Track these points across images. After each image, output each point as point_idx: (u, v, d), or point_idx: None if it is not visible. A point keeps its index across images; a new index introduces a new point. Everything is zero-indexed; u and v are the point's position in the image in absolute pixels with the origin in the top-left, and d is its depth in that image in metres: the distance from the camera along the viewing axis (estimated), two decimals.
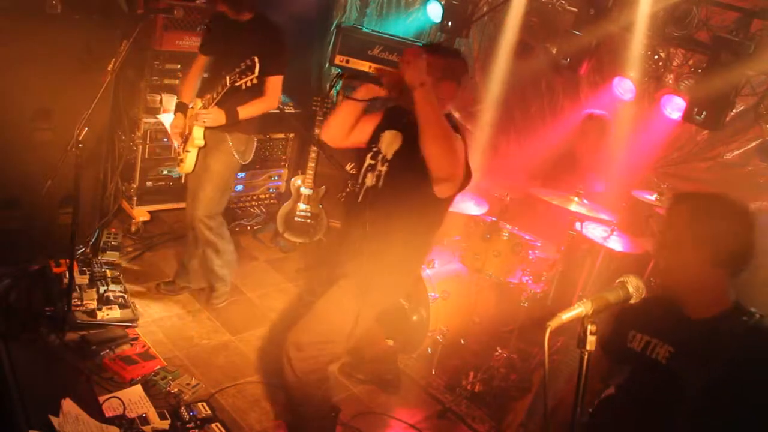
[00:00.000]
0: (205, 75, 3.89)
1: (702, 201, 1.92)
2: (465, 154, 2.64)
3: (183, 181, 4.10)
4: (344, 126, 2.82)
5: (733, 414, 1.77)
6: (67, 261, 3.50)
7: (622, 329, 2.08)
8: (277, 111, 4.55)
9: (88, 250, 4.16)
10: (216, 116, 3.56)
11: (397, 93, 2.59)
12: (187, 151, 3.77)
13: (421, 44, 5.08)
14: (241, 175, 4.99)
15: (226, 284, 4.09)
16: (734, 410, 1.77)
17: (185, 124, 3.77)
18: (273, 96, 3.67)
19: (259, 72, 3.38)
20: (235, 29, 3.62)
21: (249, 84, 3.38)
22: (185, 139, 3.79)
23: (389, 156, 2.70)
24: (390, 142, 2.73)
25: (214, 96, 3.54)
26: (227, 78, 3.42)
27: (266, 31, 3.61)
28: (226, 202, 3.92)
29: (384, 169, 2.69)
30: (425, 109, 2.44)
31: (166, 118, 4.39)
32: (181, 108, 3.81)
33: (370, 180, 2.72)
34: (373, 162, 2.74)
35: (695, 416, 1.81)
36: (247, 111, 3.61)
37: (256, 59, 3.34)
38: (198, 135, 3.69)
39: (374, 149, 2.76)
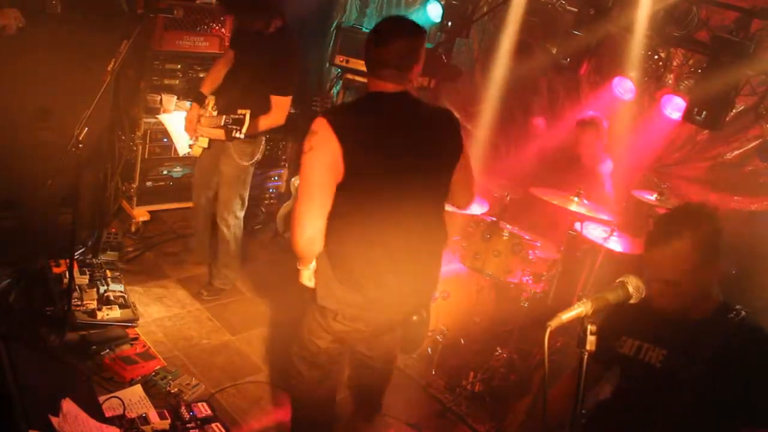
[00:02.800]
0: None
1: (695, 224, 1.93)
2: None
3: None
4: None
5: (726, 403, 1.85)
6: (67, 261, 3.50)
7: (611, 334, 2.09)
8: None
9: (88, 250, 4.16)
10: (216, 134, 3.67)
11: None
12: (196, 140, 3.91)
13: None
14: None
15: (225, 283, 4.20)
16: (727, 399, 1.84)
17: (198, 115, 3.82)
18: (278, 114, 3.69)
19: (268, 90, 3.59)
20: (258, 38, 3.61)
21: (236, 135, 3.44)
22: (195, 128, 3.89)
23: None
24: None
25: (216, 121, 3.62)
26: (223, 118, 3.49)
27: (282, 51, 3.61)
28: (244, 201, 4.05)
29: None
30: None
31: (167, 118, 4.40)
32: (198, 98, 3.88)
33: None
34: None
35: (692, 410, 1.87)
36: (250, 128, 3.52)
37: (247, 116, 3.40)
38: (202, 139, 3.86)
39: None
